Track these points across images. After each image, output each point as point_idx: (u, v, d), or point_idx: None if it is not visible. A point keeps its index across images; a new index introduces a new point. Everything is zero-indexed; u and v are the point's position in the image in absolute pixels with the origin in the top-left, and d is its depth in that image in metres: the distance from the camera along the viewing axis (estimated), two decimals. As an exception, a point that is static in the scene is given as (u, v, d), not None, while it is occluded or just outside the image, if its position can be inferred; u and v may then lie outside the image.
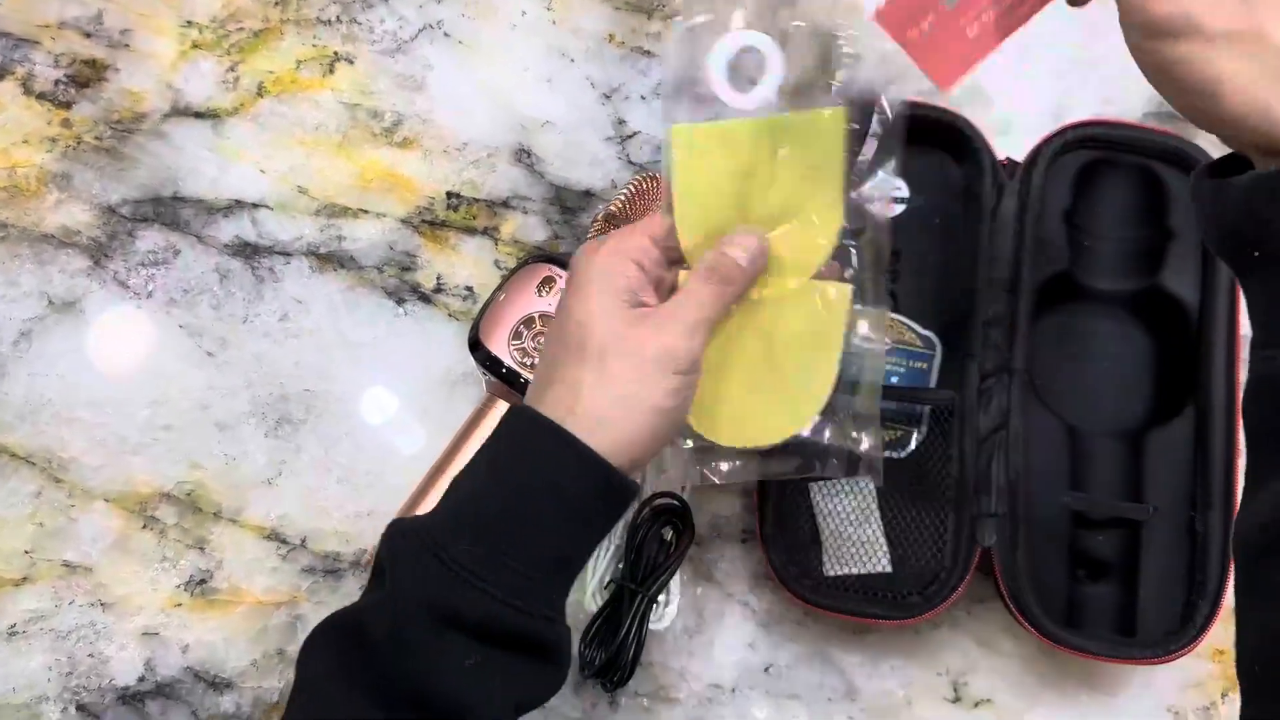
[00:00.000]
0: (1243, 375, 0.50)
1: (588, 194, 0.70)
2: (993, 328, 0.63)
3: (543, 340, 0.60)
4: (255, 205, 0.69)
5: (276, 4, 0.71)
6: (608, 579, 0.62)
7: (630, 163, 0.71)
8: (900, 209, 0.66)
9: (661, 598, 0.62)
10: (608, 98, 0.71)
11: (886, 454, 0.62)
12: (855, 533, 0.62)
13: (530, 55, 0.71)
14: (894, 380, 0.64)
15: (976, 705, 0.65)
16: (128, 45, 0.70)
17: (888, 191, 0.54)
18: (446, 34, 0.71)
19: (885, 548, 0.62)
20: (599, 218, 0.66)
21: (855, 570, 0.62)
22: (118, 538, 0.65)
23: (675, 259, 0.50)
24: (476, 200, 0.70)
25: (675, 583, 0.63)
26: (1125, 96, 0.71)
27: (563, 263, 0.62)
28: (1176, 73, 0.36)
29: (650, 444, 0.46)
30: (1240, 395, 0.54)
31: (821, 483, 0.63)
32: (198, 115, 0.70)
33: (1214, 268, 0.64)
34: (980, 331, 0.63)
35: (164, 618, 0.64)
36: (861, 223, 0.53)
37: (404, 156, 0.70)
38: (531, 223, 0.70)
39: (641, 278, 0.48)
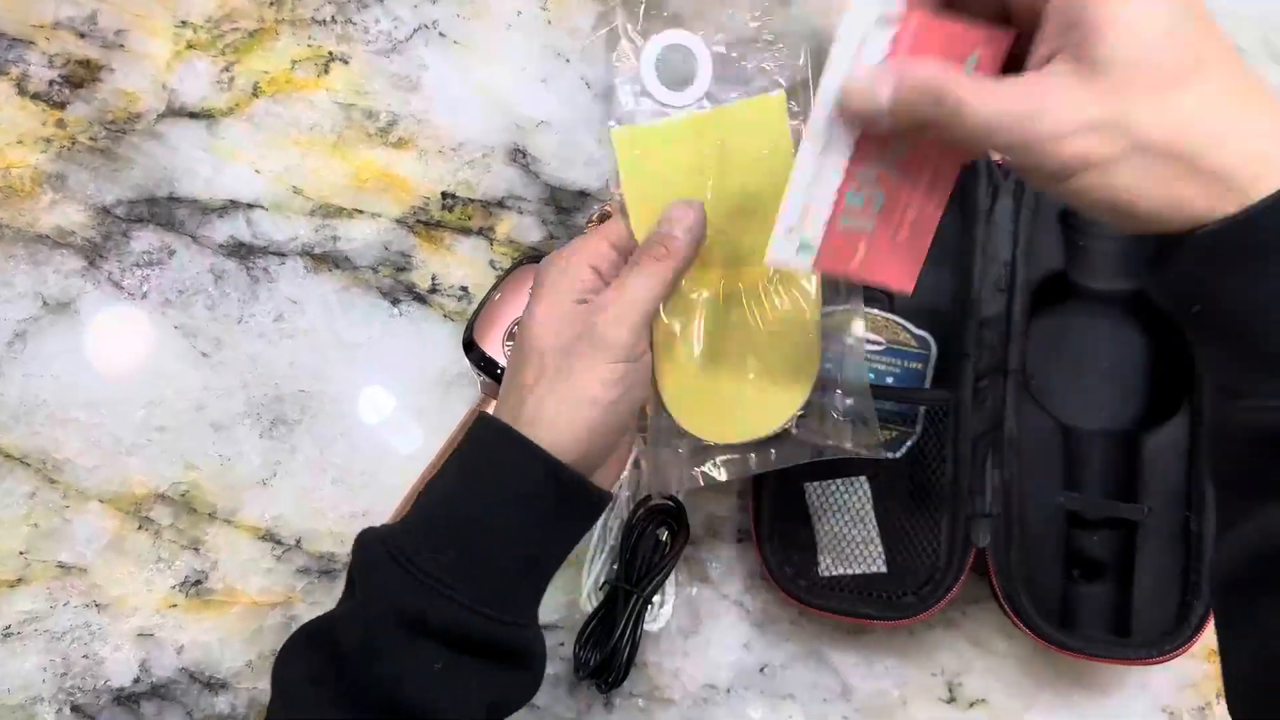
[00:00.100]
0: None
1: (583, 194, 0.70)
2: (988, 328, 0.63)
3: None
4: (250, 205, 0.69)
5: (271, 4, 0.71)
6: (602, 580, 0.62)
7: (625, 163, 0.70)
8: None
9: (656, 598, 0.62)
10: (603, 98, 0.71)
11: (882, 455, 0.62)
12: (850, 533, 0.62)
13: (526, 55, 0.71)
14: (889, 381, 0.64)
15: (971, 706, 0.65)
16: (122, 45, 0.70)
17: None
18: (442, 34, 0.71)
19: (880, 548, 0.62)
20: (594, 218, 0.66)
21: (850, 570, 0.62)
22: (112, 538, 0.65)
23: None
24: (472, 200, 0.70)
25: (670, 583, 0.63)
26: (1121, 96, 0.71)
27: (557, 263, 0.62)
28: (1085, 202, 0.37)
29: (593, 438, 0.45)
30: None
31: (816, 483, 0.63)
32: (192, 115, 0.70)
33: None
34: (975, 332, 0.63)
35: (159, 618, 0.64)
36: None
37: (399, 156, 0.70)
38: (527, 223, 0.70)
39: (596, 281, 0.48)
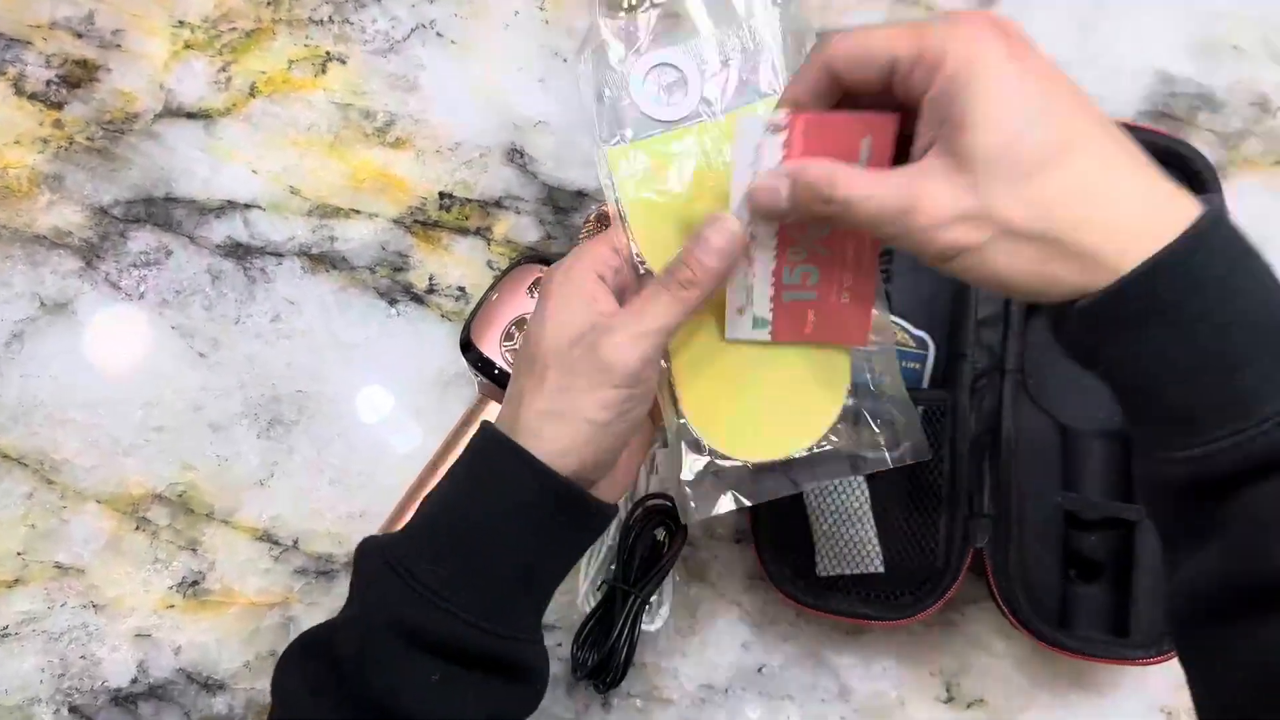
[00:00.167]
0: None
1: (580, 194, 0.70)
2: (986, 328, 0.63)
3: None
4: (247, 206, 0.69)
5: (268, 4, 0.71)
6: (600, 580, 0.61)
7: (623, 163, 0.70)
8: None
9: (654, 598, 0.62)
10: (596, 114, 0.71)
11: (879, 455, 0.62)
12: (848, 533, 0.62)
13: (523, 55, 0.71)
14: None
15: (969, 706, 0.65)
16: (119, 45, 0.70)
17: None
18: (439, 34, 0.71)
19: (878, 548, 0.62)
20: (591, 218, 0.66)
21: (848, 571, 0.62)
22: (110, 539, 0.65)
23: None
24: (469, 200, 0.69)
25: (668, 583, 0.63)
26: (1118, 95, 0.71)
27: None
28: (969, 279, 0.39)
29: (589, 453, 0.45)
30: None
31: (814, 483, 0.63)
32: (190, 116, 0.70)
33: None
34: (973, 331, 0.63)
35: (156, 619, 0.64)
36: None
37: (396, 157, 0.70)
38: (524, 223, 0.69)
39: (601, 288, 0.47)
